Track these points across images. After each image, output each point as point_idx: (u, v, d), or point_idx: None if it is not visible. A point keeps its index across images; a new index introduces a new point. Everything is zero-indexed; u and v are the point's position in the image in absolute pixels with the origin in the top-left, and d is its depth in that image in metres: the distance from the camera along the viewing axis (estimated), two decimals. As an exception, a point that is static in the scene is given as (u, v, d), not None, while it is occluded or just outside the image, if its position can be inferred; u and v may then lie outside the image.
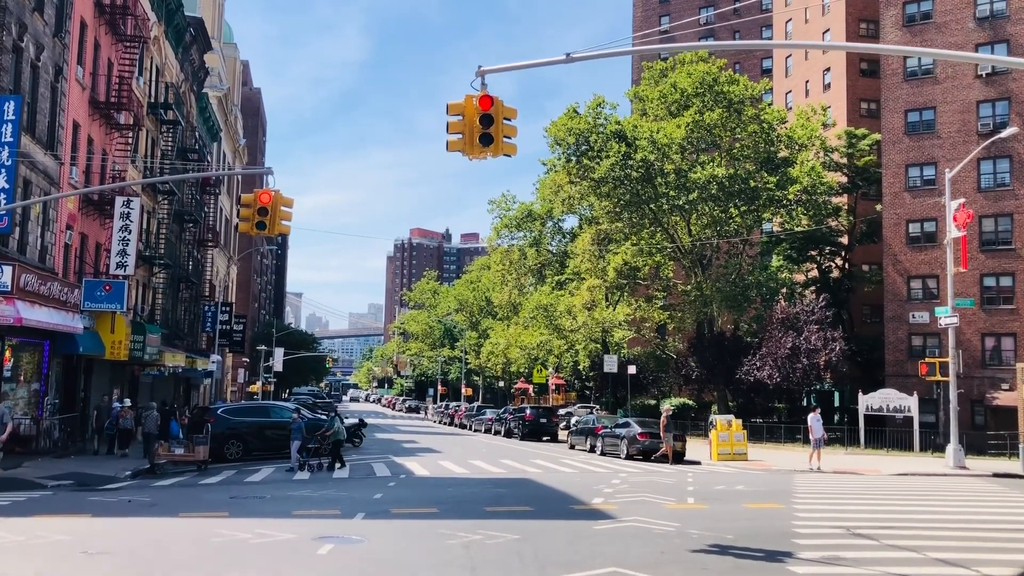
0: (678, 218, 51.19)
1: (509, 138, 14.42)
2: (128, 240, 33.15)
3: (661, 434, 31.86)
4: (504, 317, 76.62)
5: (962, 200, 32.67)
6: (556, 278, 65.00)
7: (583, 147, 50.15)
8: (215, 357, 54.01)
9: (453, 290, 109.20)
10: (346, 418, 46.32)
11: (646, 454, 32.55)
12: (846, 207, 54.15)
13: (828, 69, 58.90)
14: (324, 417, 36.90)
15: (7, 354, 27.10)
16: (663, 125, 49.19)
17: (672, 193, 48.34)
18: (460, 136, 14.32)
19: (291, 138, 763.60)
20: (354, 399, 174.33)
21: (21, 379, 28.36)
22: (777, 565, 12.01)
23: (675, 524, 15.39)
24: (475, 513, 16.67)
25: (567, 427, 48.59)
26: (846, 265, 55.41)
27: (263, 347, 79.23)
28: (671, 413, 33.58)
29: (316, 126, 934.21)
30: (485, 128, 14.11)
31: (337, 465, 27.22)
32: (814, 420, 30.16)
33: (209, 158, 58.33)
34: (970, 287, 43.01)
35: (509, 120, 14.39)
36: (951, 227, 31.59)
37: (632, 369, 51.98)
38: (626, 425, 34.75)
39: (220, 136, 64.16)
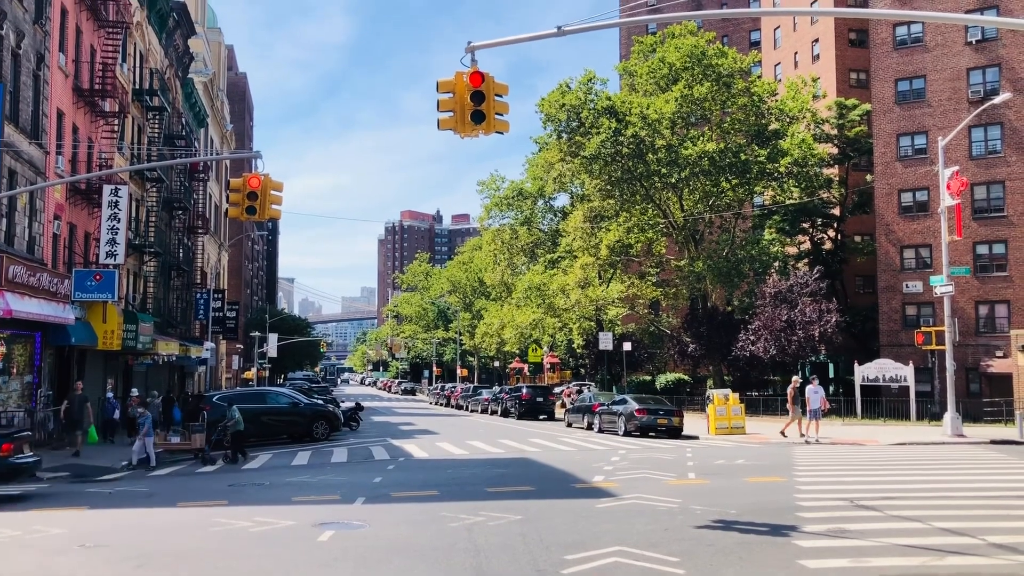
0: (670, 194, 51.02)
1: (501, 115, 14.17)
2: (117, 229, 32.82)
3: (789, 406, 30.76)
4: (497, 297, 76.47)
5: (956, 168, 32.56)
6: (548, 256, 64.81)
7: (574, 123, 49.85)
8: (209, 344, 53.77)
9: (445, 271, 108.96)
10: (342, 401, 46.39)
11: (644, 430, 32.52)
12: (837, 178, 54.04)
13: (817, 40, 58.58)
14: (320, 402, 36.83)
15: (-1, 347, 26.87)
16: (653, 100, 48.87)
17: (663, 170, 48.15)
18: (451, 114, 14.08)
19: (278, 122, 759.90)
20: (344, 381, 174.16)
21: (14, 371, 28.13)
22: (783, 539, 11.93)
23: (677, 500, 15.32)
24: (476, 495, 16.57)
25: (563, 405, 48.64)
26: (838, 236, 55.37)
27: (257, 333, 78.98)
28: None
29: (303, 110, 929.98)
30: (477, 105, 13.88)
31: (240, 457, 25.23)
32: (811, 391, 30.00)
33: (196, 144, 57.81)
34: (963, 255, 43.01)
35: (501, 96, 14.15)
36: (945, 195, 31.48)
37: (628, 346, 51.93)
38: (623, 402, 34.68)
39: (207, 122, 63.58)
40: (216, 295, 60.13)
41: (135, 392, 33.42)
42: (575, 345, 63.75)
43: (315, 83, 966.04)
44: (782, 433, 30.61)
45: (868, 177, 51.11)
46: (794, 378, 31.92)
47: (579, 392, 49.29)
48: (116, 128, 36.60)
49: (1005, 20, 30.83)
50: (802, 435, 29.82)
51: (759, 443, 29.11)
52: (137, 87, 40.89)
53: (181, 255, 52.68)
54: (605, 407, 35.94)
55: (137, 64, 41.64)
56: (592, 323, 58.14)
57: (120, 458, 25.35)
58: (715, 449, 27.04)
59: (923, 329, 37.89)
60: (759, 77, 55.04)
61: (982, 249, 44.46)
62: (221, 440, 25.88)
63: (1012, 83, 43.23)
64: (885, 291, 47.24)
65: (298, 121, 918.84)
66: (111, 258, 32.93)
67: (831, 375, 52.82)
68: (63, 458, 24.74)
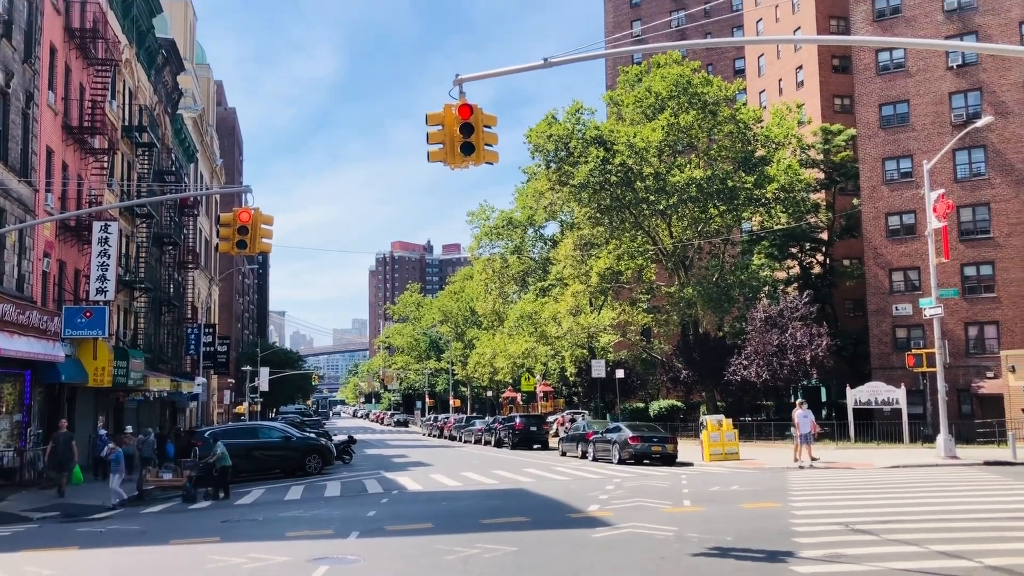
0: (659, 221, 51.30)
1: (490, 146, 14.27)
2: (107, 265, 32.72)
3: (794, 430, 30.25)
4: (489, 326, 76.45)
5: (941, 191, 32.83)
6: (539, 284, 64.95)
7: (562, 153, 50.21)
8: (200, 380, 53.53)
9: (437, 302, 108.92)
10: (335, 435, 46.18)
11: (638, 458, 32.42)
12: (824, 203, 54.41)
13: (800, 67, 59.24)
14: (313, 436, 36.63)
15: (-12, 386, 26.69)
16: (640, 129, 49.31)
17: (652, 197, 48.45)
18: (441, 146, 14.16)
19: (268, 157, 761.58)
20: (336, 414, 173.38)
21: (3, 410, 27.93)
22: (779, 566, 11.90)
23: (673, 528, 15.27)
24: (471, 527, 16.48)
25: (556, 434, 48.49)
26: (827, 261, 55.64)
27: (248, 367, 78.64)
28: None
29: (292, 144, 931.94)
30: (466, 137, 13.97)
31: (221, 494, 24.45)
32: (801, 416, 29.90)
33: (186, 179, 57.90)
34: (951, 277, 43.26)
35: (489, 128, 14.24)
36: (931, 218, 31.72)
37: (620, 373, 51.90)
38: (617, 430, 34.58)
39: (196, 157, 63.73)
40: (207, 330, 59.91)
41: (128, 429, 33.24)
42: (568, 373, 63.70)
43: (304, 118, 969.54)
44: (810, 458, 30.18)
45: (855, 201, 51.48)
46: (798, 402, 31.86)
47: (572, 421, 49.12)
48: (106, 165, 36.64)
49: (984, 46, 31.30)
50: (796, 460, 29.77)
51: (753, 468, 29.06)
52: (127, 124, 41.01)
53: (172, 290, 52.57)
54: (599, 435, 35.83)
55: (126, 101, 41.79)
56: (584, 351, 58.14)
57: (111, 496, 25.12)
58: (710, 476, 26.98)
59: (914, 351, 37.96)
60: (744, 104, 55.59)
61: (970, 271, 44.73)
62: (206, 476, 25.42)
63: (994, 106, 43.74)
64: (875, 314, 47.42)
65: (288, 155, 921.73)
66: (101, 295, 32.79)
67: (823, 399, 52.83)
68: (52, 498, 24.49)
